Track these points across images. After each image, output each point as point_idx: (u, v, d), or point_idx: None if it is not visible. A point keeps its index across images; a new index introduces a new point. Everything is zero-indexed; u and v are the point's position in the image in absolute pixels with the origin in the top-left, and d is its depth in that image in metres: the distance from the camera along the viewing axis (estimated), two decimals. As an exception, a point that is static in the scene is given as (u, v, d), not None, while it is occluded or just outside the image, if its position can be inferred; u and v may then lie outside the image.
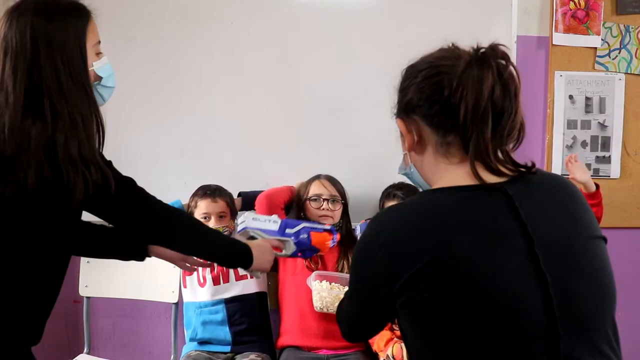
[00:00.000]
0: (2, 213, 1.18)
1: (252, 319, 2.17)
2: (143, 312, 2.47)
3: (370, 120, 2.30)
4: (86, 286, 2.33)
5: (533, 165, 0.97)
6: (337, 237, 1.78)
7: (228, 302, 2.16)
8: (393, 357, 1.97)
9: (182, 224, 1.43)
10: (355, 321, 1.09)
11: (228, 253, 1.50)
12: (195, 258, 1.59)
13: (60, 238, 1.28)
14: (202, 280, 2.19)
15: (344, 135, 2.35)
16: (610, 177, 2.42)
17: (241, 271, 2.19)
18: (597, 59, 2.41)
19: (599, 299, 0.92)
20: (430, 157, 0.99)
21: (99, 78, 1.29)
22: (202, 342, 2.15)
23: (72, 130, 1.15)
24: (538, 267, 0.87)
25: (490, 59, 0.92)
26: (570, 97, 2.42)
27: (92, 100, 1.22)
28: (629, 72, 2.42)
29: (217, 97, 2.34)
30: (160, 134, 2.35)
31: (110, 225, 1.38)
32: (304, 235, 1.68)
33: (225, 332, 2.14)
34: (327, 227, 1.79)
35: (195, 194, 2.19)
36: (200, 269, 2.19)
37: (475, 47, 0.95)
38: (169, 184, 2.26)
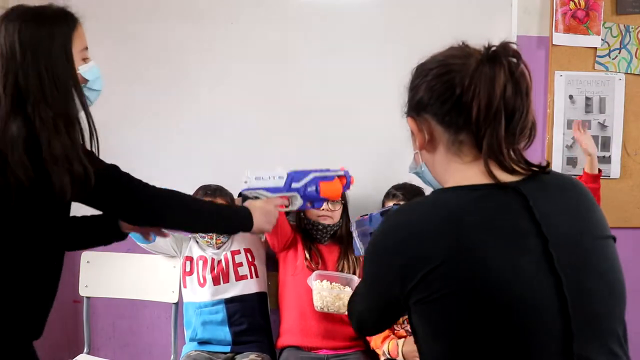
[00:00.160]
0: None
1: (252, 319, 2.17)
2: (143, 312, 2.47)
3: (370, 120, 2.30)
4: (86, 286, 2.33)
5: (548, 164, 0.96)
6: (352, 180, 1.69)
7: (228, 302, 2.16)
8: (389, 352, 1.99)
9: (173, 203, 1.44)
10: (365, 317, 1.09)
11: (226, 222, 1.54)
12: None
13: (52, 232, 1.32)
14: (202, 280, 2.19)
15: (344, 136, 2.34)
16: (610, 177, 2.42)
17: (242, 270, 2.20)
18: (597, 59, 2.41)
19: (610, 298, 0.92)
20: (442, 155, 0.99)
21: (86, 81, 1.33)
22: (202, 342, 2.15)
23: (55, 133, 1.21)
24: (552, 267, 0.87)
25: (501, 57, 0.92)
26: (570, 97, 2.42)
27: (77, 104, 1.27)
28: (629, 72, 2.42)
29: (218, 97, 2.34)
30: (160, 133, 2.34)
31: (88, 215, 1.43)
32: (311, 188, 1.63)
33: (225, 332, 2.14)
34: (341, 172, 1.68)
35: (195, 194, 2.18)
36: (200, 269, 2.20)
37: (487, 45, 0.94)
38: (169, 184, 2.23)
